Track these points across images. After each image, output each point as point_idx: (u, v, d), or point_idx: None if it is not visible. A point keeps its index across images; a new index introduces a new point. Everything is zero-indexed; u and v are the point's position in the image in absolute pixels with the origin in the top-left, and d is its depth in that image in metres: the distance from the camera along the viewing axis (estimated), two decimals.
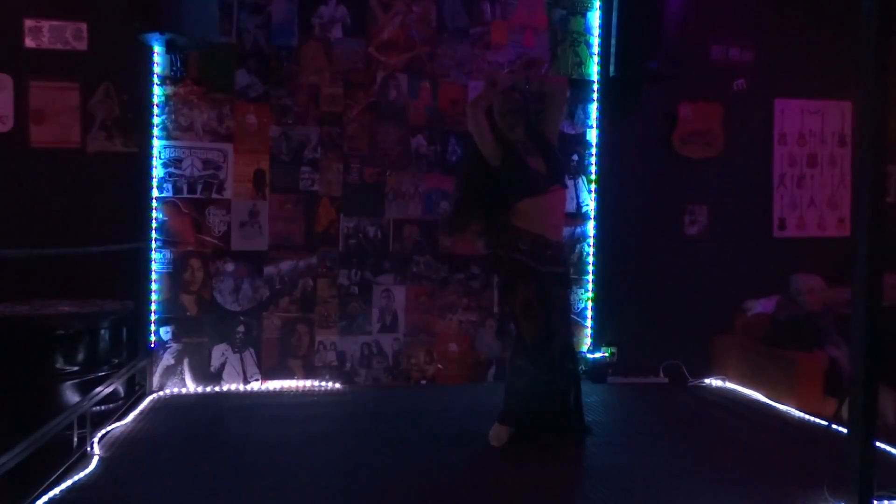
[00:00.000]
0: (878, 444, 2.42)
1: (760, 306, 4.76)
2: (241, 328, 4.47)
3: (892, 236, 2.42)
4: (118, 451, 3.23)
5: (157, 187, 4.37)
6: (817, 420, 3.80)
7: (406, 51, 4.65)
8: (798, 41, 5.05)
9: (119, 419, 3.66)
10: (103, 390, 3.50)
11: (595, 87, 4.82)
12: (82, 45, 4.29)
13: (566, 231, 4.41)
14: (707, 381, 4.75)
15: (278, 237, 4.52)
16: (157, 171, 4.36)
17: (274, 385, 4.48)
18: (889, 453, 3.21)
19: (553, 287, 3.31)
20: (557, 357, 3.32)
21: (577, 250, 4.80)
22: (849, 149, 5.18)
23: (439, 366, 4.69)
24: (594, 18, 4.83)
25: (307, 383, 4.52)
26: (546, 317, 3.26)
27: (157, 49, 4.23)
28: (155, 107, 4.35)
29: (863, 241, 2.34)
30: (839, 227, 5.17)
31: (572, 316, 3.55)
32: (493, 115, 3.36)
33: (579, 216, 4.83)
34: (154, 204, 4.35)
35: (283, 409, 4.01)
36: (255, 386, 4.46)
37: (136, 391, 4.18)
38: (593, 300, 4.84)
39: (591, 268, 4.84)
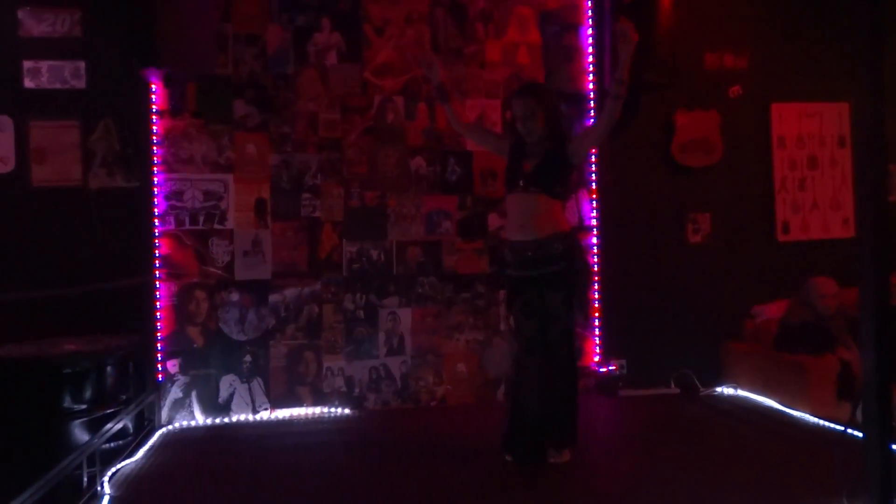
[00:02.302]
0: (895, 447, 2.38)
1: (769, 311, 4.72)
2: (248, 358, 4.46)
3: None
4: (129, 488, 3.21)
5: (160, 220, 4.38)
6: (832, 425, 3.75)
7: (401, 74, 4.68)
8: (792, 45, 5.07)
9: (129, 455, 3.63)
10: (112, 427, 3.49)
11: (591, 100, 4.84)
12: (81, 84, 4.32)
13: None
14: (719, 389, 4.70)
15: (282, 265, 4.52)
16: (159, 205, 4.38)
17: (283, 413, 4.45)
18: None
19: (529, 289, 3.29)
20: (532, 362, 3.30)
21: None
22: (849, 150, 5.17)
23: (448, 386, 4.66)
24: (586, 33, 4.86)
25: (316, 410, 4.49)
26: (521, 322, 3.33)
27: (155, 84, 4.27)
28: (154, 141, 4.37)
29: (868, 242, 2.32)
30: (844, 227, 5.15)
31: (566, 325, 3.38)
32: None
33: (582, 229, 4.82)
34: (157, 237, 4.37)
35: (293, 438, 3.99)
36: (265, 415, 4.44)
37: (145, 426, 4.16)
38: (600, 313, 4.82)
39: (596, 280, 4.82)
